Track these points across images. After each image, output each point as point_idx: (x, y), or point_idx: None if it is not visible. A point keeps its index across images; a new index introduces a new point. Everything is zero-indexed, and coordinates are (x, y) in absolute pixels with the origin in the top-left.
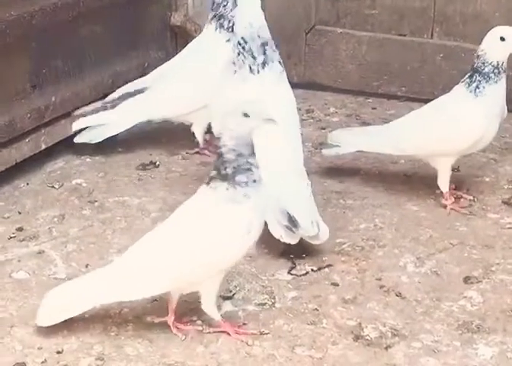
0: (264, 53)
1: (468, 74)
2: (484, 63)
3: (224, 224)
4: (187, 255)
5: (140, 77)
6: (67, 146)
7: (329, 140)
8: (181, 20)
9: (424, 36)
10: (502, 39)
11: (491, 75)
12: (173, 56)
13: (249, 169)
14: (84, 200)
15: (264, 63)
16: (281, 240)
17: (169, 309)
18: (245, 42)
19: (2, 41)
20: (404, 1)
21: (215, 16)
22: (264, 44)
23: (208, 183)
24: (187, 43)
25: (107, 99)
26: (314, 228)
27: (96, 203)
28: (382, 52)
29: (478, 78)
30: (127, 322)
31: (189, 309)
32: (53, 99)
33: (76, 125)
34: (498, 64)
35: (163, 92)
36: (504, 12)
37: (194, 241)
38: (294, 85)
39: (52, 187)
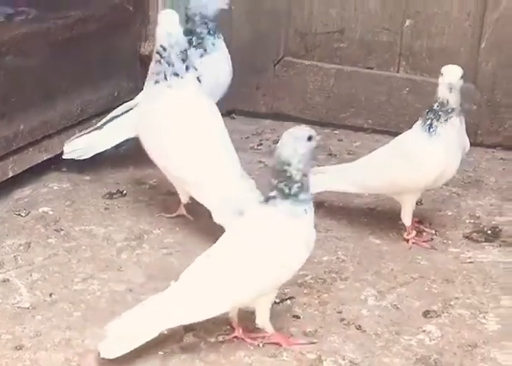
0: (184, 61)
1: (426, 111)
2: (434, 100)
3: (287, 238)
4: (253, 271)
5: (110, 106)
6: (34, 173)
7: None
8: (150, 50)
9: (390, 70)
10: (442, 74)
11: (440, 113)
12: (142, 85)
13: (308, 187)
14: (50, 228)
15: (186, 68)
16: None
17: (234, 324)
18: (164, 50)
19: None
20: (372, 36)
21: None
22: (183, 52)
23: (267, 201)
24: None
25: (97, 125)
26: None
27: (62, 232)
28: (350, 85)
29: (431, 116)
30: (89, 352)
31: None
32: (22, 127)
33: (67, 147)
34: (444, 102)
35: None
36: (468, 48)
37: (259, 257)
38: (262, 115)
39: (19, 215)
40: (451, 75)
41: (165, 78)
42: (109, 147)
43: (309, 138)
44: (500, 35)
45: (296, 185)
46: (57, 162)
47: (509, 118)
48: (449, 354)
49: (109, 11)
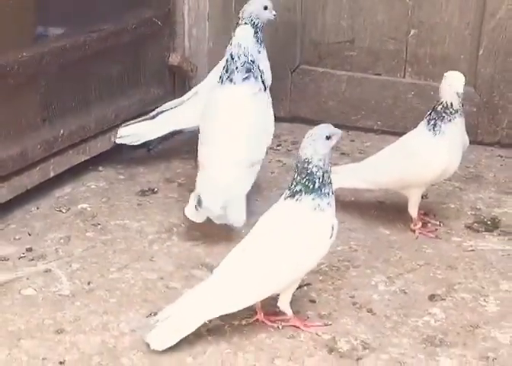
0: (247, 71)
1: (429, 112)
2: (438, 102)
3: (312, 230)
4: (284, 262)
5: (141, 111)
6: (73, 173)
7: None
8: (178, 61)
9: (397, 76)
10: (446, 80)
11: (443, 114)
12: (171, 93)
13: (330, 182)
14: (88, 223)
15: (244, 78)
16: (189, 218)
17: (257, 308)
18: (232, 58)
19: (15, 80)
20: (380, 45)
21: None
22: (247, 62)
23: (292, 196)
24: (185, 82)
25: (146, 116)
26: (216, 209)
27: (99, 226)
28: (360, 90)
29: (434, 116)
30: (124, 335)
31: None
32: (61, 132)
33: (122, 131)
34: (447, 104)
35: (195, 106)
36: (467, 55)
37: (288, 248)
38: (280, 119)
39: (60, 211)
40: (459, 83)
41: (222, 82)
42: (158, 136)
43: (328, 137)
44: (496, 43)
45: (318, 180)
46: (94, 163)
47: (506, 118)
48: (452, 334)
49: (139, 24)
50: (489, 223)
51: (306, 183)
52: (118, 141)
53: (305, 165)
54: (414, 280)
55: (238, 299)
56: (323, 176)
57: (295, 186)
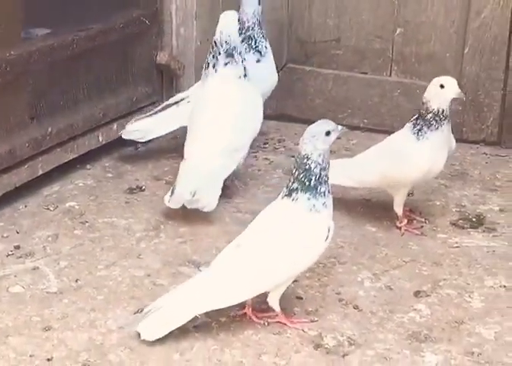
0: (228, 56)
1: (415, 116)
2: (426, 110)
3: (308, 231)
4: (277, 261)
5: (129, 110)
6: (62, 172)
7: None
8: (166, 59)
9: (383, 74)
10: (442, 86)
11: (433, 122)
12: (159, 92)
13: (327, 181)
14: (76, 221)
15: (225, 63)
16: (166, 205)
17: (247, 303)
18: (216, 44)
19: (3, 78)
20: (366, 43)
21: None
22: (230, 49)
23: (289, 195)
24: (172, 80)
25: (151, 112)
26: (186, 194)
27: (87, 224)
28: (346, 88)
29: (421, 122)
30: (111, 331)
31: None
32: (50, 130)
33: (129, 127)
34: (439, 111)
35: None
36: (453, 53)
37: (282, 248)
38: (267, 117)
39: (48, 209)
40: (455, 89)
41: (207, 68)
42: (165, 133)
43: (327, 133)
44: (481, 41)
45: (314, 177)
46: (82, 161)
47: (491, 116)
48: (437, 329)
49: (127, 23)
50: (474, 219)
51: (303, 179)
52: (124, 136)
53: (304, 161)
54: (400, 277)
55: (231, 294)
56: (320, 173)
57: (292, 183)
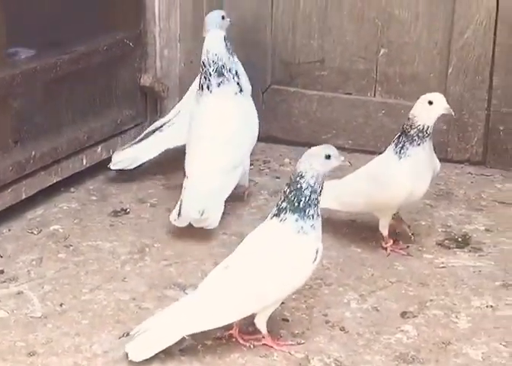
0: (220, 75)
1: (398, 134)
2: (411, 126)
3: (295, 253)
4: (265, 283)
5: (113, 133)
6: (46, 195)
7: None
8: (150, 82)
9: (367, 95)
10: (430, 103)
11: (415, 137)
12: (143, 114)
13: (317, 204)
14: (60, 244)
15: (218, 84)
16: (173, 223)
17: (235, 323)
18: (204, 65)
19: None
20: (350, 64)
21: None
22: (218, 68)
23: (278, 215)
24: (157, 102)
25: (135, 140)
26: (195, 215)
27: (71, 248)
28: (331, 109)
29: (403, 139)
30: (96, 356)
31: None
32: (33, 153)
33: (115, 157)
34: (423, 128)
35: (180, 124)
36: (437, 74)
37: (270, 270)
38: None
39: (32, 232)
40: (444, 104)
41: (201, 89)
42: (149, 158)
43: (328, 156)
44: (465, 61)
45: (304, 199)
46: (66, 184)
47: (475, 136)
48: (425, 350)
49: (111, 46)
50: (460, 239)
51: (293, 199)
52: (113, 167)
53: (297, 179)
54: (386, 298)
55: (219, 316)
56: (310, 196)
57: (282, 201)
